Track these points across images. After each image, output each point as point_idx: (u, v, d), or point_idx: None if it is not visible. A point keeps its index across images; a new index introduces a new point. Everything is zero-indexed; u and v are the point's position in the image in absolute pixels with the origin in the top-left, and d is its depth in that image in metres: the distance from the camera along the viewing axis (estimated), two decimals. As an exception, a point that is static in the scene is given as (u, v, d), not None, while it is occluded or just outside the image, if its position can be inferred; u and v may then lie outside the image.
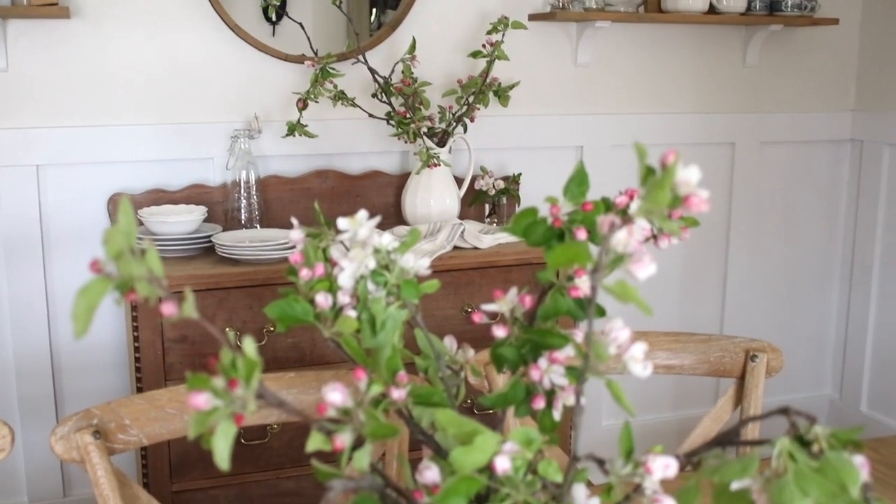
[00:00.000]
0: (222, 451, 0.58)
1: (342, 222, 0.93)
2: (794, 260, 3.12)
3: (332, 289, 0.92)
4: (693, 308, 3.02)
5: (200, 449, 2.08)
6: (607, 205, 0.89)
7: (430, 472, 0.75)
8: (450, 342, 0.99)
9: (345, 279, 0.92)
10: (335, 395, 0.64)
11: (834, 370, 3.22)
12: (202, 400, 0.58)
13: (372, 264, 0.90)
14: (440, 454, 0.78)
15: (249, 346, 0.57)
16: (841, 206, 3.13)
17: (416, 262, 0.94)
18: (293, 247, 2.18)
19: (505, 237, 2.32)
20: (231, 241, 2.17)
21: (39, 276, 2.37)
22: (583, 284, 0.85)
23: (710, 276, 3.03)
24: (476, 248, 2.27)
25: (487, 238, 2.29)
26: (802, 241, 3.11)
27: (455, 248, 2.26)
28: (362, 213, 0.92)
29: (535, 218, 0.87)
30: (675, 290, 2.98)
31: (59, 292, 2.40)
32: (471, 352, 1.00)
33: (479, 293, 2.26)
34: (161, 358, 2.10)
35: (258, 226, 2.37)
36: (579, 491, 0.82)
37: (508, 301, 0.87)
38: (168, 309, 0.60)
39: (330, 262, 0.94)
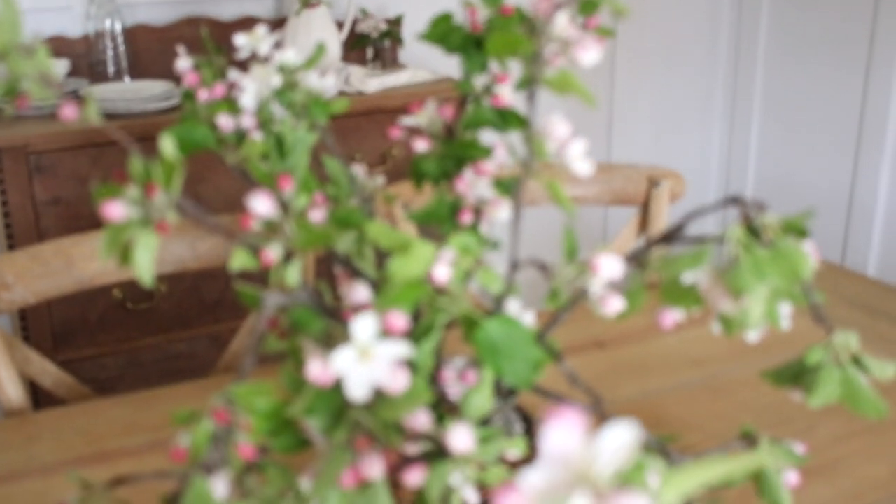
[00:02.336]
0: (145, 266, 0.52)
1: (239, 39, 0.85)
2: (676, 96, 3.14)
3: (234, 112, 0.86)
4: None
5: (84, 316, 1.99)
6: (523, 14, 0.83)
7: (361, 293, 0.71)
8: (359, 169, 0.94)
9: (247, 100, 0.85)
10: (261, 205, 0.58)
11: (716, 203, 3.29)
12: (117, 210, 0.51)
13: (276, 82, 0.84)
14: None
15: (168, 145, 0.51)
16: (722, 41, 3.14)
17: (322, 80, 0.88)
18: (172, 97, 2.06)
19: (392, 81, 2.24)
20: (102, 94, 2.04)
21: None
22: (504, 92, 0.80)
23: (596, 113, 3.02)
24: (362, 93, 2.19)
25: (373, 82, 2.21)
26: (684, 79, 3.12)
27: (340, 93, 2.18)
28: (262, 28, 0.85)
29: (450, 24, 0.82)
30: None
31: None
32: (381, 178, 0.95)
33: (367, 140, 2.20)
34: (34, 222, 1.98)
35: (128, 78, 2.22)
36: (513, 305, 0.79)
37: (427, 113, 0.82)
38: (68, 112, 0.53)
39: (228, 85, 0.87)
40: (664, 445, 0.71)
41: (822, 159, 2.83)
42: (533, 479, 0.36)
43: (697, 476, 0.39)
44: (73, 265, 1.22)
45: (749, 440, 0.74)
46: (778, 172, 3.01)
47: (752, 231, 0.62)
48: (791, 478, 0.74)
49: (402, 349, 0.54)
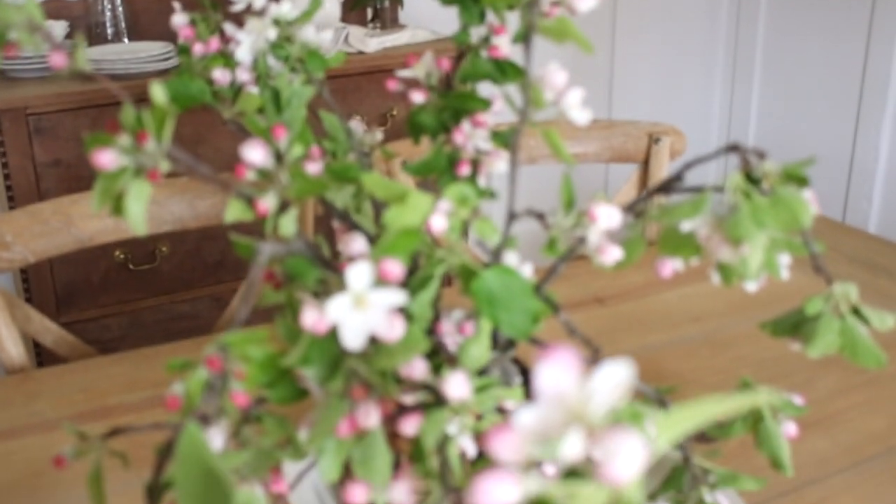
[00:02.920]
0: (137, 215, 0.52)
1: (234, -9, 0.84)
2: (678, 55, 3.11)
3: (230, 65, 0.85)
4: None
5: (87, 277, 2.00)
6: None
7: (358, 244, 0.71)
8: (356, 124, 0.93)
9: (243, 53, 0.84)
10: (255, 154, 0.58)
11: (717, 164, 3.28)
12: (107, 158, 0.51)
13: (272, 35, 0.83)
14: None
15: (158, 92, 0.50)
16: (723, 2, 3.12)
17: (318, 34, 0.87)
18: (170, 58, 2.05)
19: (391, 41, 2.22)
20: (100, 55, 2.02)
21: None
22: (502, 43, 0.79)
23: (597, 72, 3.00)
24: (362, 53, 2.17)
25: (373, 42, 2.19)
26: (686, 39, 3.10)
27: (345, 56, 2.16)
28: (256, -20, 0.84)
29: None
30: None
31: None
32: (379, 134, 0.94)
33: (368, 100, 2.18)
34: (35, 184, 1.97)
35: (126, 39, 2.21)
36: (511, 257, 0.79)
37: (424, 65, 0.81)
38: (57, 60, 0.52)
39: (224, 40, 0.86)
40: (662, 397, 0.71)
41: (823, 118, 2.82)
42: (527, 418, 0.36)
43: (691, 417, 0.38)
44: (72, 224, 1.21)
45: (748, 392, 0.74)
46: (779, 130, 3.00)
47: (753, 180, 0.61)
48: (789, 429, 0.74)
49: (397, 297, 0.53)
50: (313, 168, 0.80)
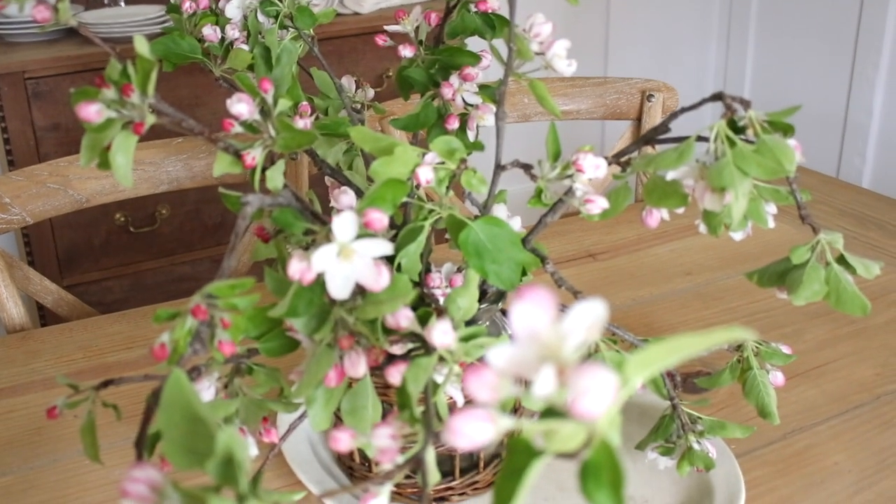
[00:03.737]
0: (123, 167, 0.52)
1: (223, -53, 0.84)
2: (673, 15, 3.09)
3: (220, 23, 0.85)
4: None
5: (88, 240, 2.00)
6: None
7: (346, 197, 0.71)
8: (347, 81, 0.93)
9: (232, 10, 0.84)
10: (241, 106, 0.58)
11: (712, 119, 3.27)
12: (93, 111, 0.51)
13: (261, -9, 0.83)
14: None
15: (141, 44, 0.50)
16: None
17: (308, -10, 0.87)
18: (166, 21, 2.04)
19: (387, 0, 2.21)
20: (96, 19, 2.02)
21: None
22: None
23: (592, 31, 2.99)
24: (357, 14, 2.17)
25: (369, 2, 2.18)
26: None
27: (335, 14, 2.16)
28: (245, -64, 0.84)
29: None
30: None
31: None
32: (371, 91, 0.94)
33: (363, 61, 2.18)
34: (34, 148, 1.98)
35: (122, 3, 2.20)
36: (500, 210, 0.79)
37: (413, 20, 0.81)
38: (40, 13, 0.52)
39: (213, -4, 0.86)
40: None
41: (818, 75, 2.80)
42: (501, 356, 0.36)
43: (665, 354, 0.39)
44: (69, 185, 1.22)
45: (736, 342, 0.75)
46: (774, 88, 2.99)
47: (738, 129, 0.62)
48: (777, 378, 0.75)
49: (381, 246, 0.54)
50: (302, 123, 0.80)
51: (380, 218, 0.54)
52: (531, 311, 0.37)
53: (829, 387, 0.87)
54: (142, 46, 0.51)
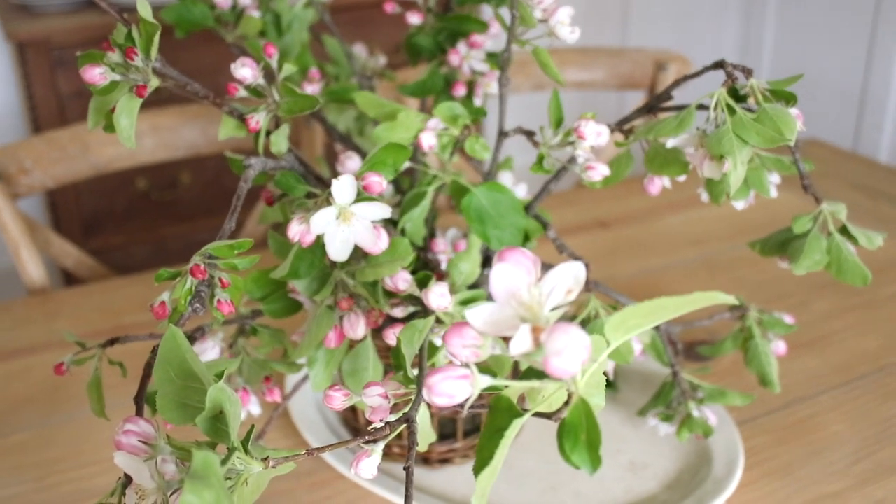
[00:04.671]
0: (126, 129, 0.54)
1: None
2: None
3: (232, -11, 0.86)
4: (594, 37, 2.98)
5: (111, 206, 2.01)
6: None
7: (352, 162, 0.72)
8: (360, 49, 0.94)
9: (244, -24, 0.85)
10: (245, 71, 0.59)
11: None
12: (97, 73, 0.52)
13: (273, -43, 0.83)
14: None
15: (144, 7, 0.51)
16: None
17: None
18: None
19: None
20: (118, -15, 2.03)
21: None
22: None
23: (612, 3, 2.97)
24: (380, -18, 2.16)
25: (391, -30, 2.17)
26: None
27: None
28: None
29: None
30: (577, 18, 2.92)
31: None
32: (382, 59, 0.95)
33: (381, 31, 2.18)
34: (58, 115, 2.00)
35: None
36: (506, 177, 0.80)
37: (422, -14, 0.81)
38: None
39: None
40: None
41: (836, 48, 2.77)
42: (480, 314, 0.37)
43: (645, 316, 0.40)
44: (89, 150, 1.23)
45: (739, 311, 0.75)
46: (792, 60, 2.96)
47: (741, 98, 0.62)
48: (779, 347, 0.75)
49: (379, 209, 0.55)
50: (311, 89, 0.81)
51: (378, 181, 0.55)
52: (511, 271, 0.37)
53: (833, 357, 0.87)
54: (144, 10, 0.52)
